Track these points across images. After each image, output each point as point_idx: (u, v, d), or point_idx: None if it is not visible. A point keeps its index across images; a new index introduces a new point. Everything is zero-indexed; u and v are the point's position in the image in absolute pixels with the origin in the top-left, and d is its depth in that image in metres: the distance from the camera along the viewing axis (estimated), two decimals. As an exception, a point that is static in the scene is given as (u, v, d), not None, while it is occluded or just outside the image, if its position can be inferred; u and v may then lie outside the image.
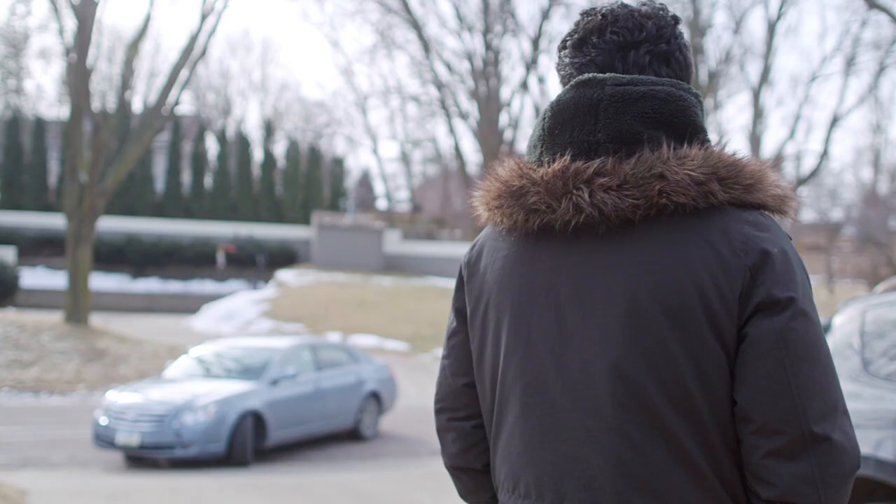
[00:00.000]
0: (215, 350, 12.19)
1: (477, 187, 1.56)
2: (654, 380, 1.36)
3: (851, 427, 1.36)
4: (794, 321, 1.33)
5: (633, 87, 1.42)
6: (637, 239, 1.39)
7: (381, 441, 12.49)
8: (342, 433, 12.32)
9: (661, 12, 1.53)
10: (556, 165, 1.41)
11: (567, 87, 1.46)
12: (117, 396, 10.74)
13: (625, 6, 1.53)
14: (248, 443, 10.48)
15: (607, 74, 1.43)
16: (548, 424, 1.44)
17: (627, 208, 1.37)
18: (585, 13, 1.56)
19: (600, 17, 1.53)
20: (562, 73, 1.57)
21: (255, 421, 10.66)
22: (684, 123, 1.42)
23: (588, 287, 1.42)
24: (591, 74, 1.44)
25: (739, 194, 1.38)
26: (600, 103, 1.41)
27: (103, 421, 10.23)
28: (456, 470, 1.70)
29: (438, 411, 1.70)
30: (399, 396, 13.69)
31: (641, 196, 1.36)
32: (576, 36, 1.55)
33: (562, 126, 1.44)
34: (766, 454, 1.33)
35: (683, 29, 1.60)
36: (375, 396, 12.64)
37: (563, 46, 1.58)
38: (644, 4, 1.54)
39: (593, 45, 1.52)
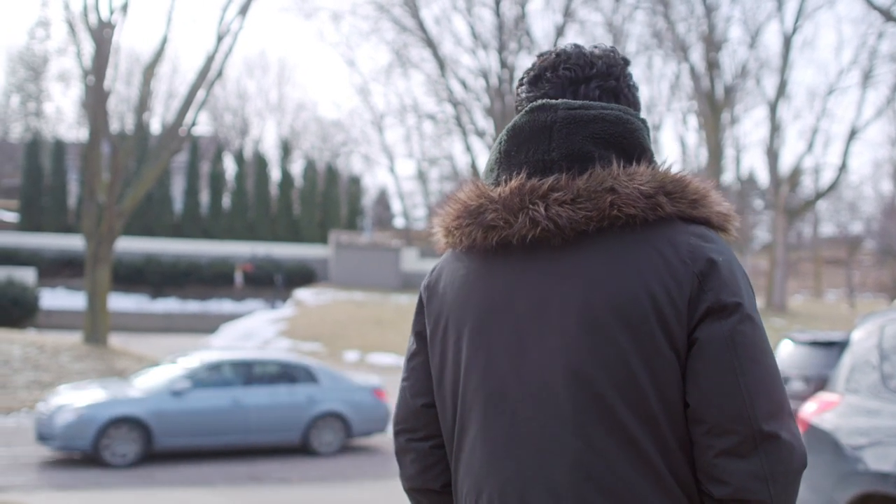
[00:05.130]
0: (162, 365, 13.28)
1: (437, 214, 1.64)
2: (611, 385, 1.41)
3: (797, 427, 1.42)
4: (741, 325, 1.40)
5: (585, 111, 1.49)
6: (590, 250, 1.46)
7: (349, 459, 12.42)
8: (292, 448, 12.64)
9: (611, 53, 1.65)
10: (513, 183, 1.49)
11: (522, 112, 1.54)
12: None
13: (577, 46, 1.66)
14: (119, 444, 11.37)
15: (559, 100, 1.52)
16: (510, 434, 1.48)
17: (581, 220, 1.44)
18: (541, 54, 1.68)
19: (554, 55, 1.65)
20: (519, 108, 1.66)
21: (136, 427, 11.51)
22: (633, 144, 1.51)
23: (545, 298, 1.48)
24: (544, 100, 1.53)
25: (685, 208, 1.47)
26: (554, 125, 1.50)
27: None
28: (414, 492, 1.72)
29: (398, 433, 1.73)
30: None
31: (594, 208, 1.44)
32: (532, 73, 1.66)
33: (517, 147, 1.53)
34: (717, 453, 1.38)
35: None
36: (338, 417, 12.82)
37: (520, 83, 1.69)
38: (595, 47, 1.66)
39: (547, 79, 1.63)
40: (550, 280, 1.47)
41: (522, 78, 1.67)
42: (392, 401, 13.54)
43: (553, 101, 1.52)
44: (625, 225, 1.44)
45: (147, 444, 11.58)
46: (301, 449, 12.65)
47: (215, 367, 12.66)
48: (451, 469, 1.62)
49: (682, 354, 1.41)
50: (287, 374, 13.04)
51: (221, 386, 12.42)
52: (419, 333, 1.69)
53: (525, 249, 1.49)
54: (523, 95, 1.66)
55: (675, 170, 1.50)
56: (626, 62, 1.65)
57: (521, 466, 1.46)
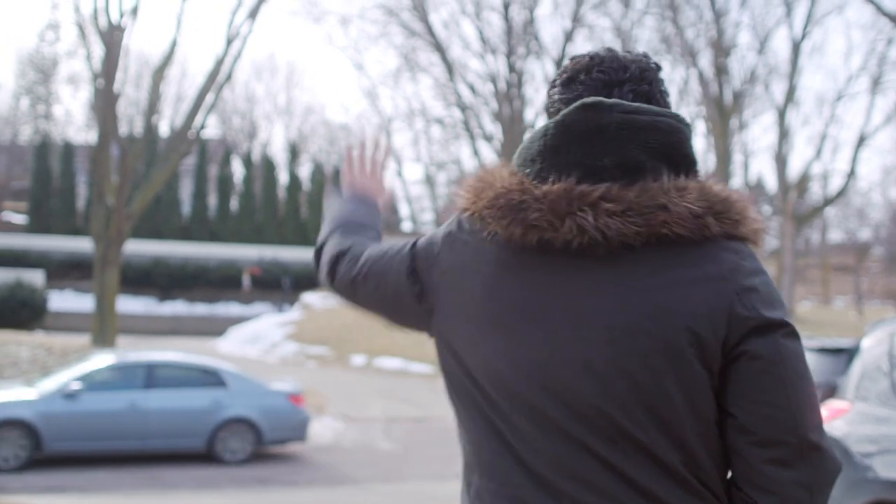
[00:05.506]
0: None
1: (465, 186, 1.60)
2: (639, 397, 1.43)
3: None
4: (786, 339, 1.44)
5: (639, 116, 1.47)
6: (632, 263, 1.46)
7: (256, 468, 11.99)
8: (197, 455, 12.17)
9: (643, 58, 1.64)
10: (562, 185, 1.46)
11: (573, 107, 1.50)
12: None
13: (611, 50, 1.64)
14: (5, 447, 11.14)
15: (613, 100, 1.49)
16: (539, 435, 1.47)
17: (630, 234, 1.43)
18: (574, 56, 1.68)
19: (588, 58, 1.64)
20: (550, 109, 1.66)
21: (24, 430, 11.27)
22: (682, 155, 1.50)
23: (579, 305, 1.47)
24: (597, 98, 1.50)
25: (729, 228, 1.48)
26: (607, 129, 1.47)
27: None
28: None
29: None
30: (310, 426, 13.03)
31: (644, 224, 1.43)
32: (565, 75, 1.65)
33: (567, 146, 1.49)
34: (765, 462, 1.42)
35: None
36: (247, 423, 12.33)
37: (552, 85, 1.68)
38: (628, 52, 1.65)
39: (581, 82, 1.61)
40: (587, 288, 1.47)
41: (555, 80, 1.67)
42: (308, 409, 13.36)
43: (606, 100, 1.49)
44: (671, 242, 1.45)
45: (36, 448, 11.29)
46: (206, 456, 12.15)
47: (114, 369, 12.28)
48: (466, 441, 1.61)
49: (716, 369, 1.44)
50: (192, 377, 12.59)
51: (119, 388, 12.00)
52: (414, 274, 1.66)
53: (563, 253, 1.47)
54: (556, 97, 1.64)
55: (718, 185, 1.51)
56: (659, 67, 1.65)
57: (551, 466, 1.46)
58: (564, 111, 1.51)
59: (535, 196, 1.47)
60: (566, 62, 1.69)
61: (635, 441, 1.42)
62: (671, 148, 1.49)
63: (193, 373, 12.68)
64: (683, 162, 1.50)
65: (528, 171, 1.52)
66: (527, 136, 1.57)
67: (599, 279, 1.46)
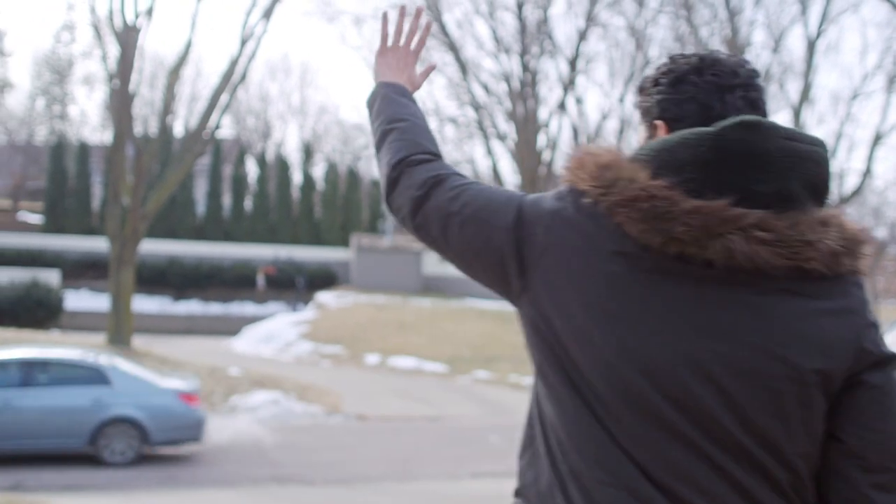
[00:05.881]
0: None
1: (581, 164, 1.57)
2: (759, 416, 1.45)
3: None
4: (894, 373, 1.51)
5: (799, 144, 1.47)
6: (770, 288, 1.46)
7: (140, 470, 11.55)
8: (77, 455, 11.75)
9: (748, 63, 1.64)
10: (717, 204, 1.44)
11: (731, 124, 1.47)
12: None
13: (716, 52, 1.64)
14: None
15: (772, 122, 1.48)
16: (652, 436, 1.46)
17: (779, 266, 1.44)
18: (679, 55, 1.66)
19: (697, 59, 1.62)
20: (648, 105, 1.65)
21: None
22: (825, 186, 1.51)
23: (711, 318, 1.46)
24: (757, 118, 1.48)
25: (857, 265, 1.52)
26: (769, 154, 1.46)
27: None
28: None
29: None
30: (206, 427, 12.43)
31: (791, 257, 1.44)
32: (672, 75, 1.63)
33: (723, 164, 1.46)
34: (871, 487, 1.46)
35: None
36: (132, 423, 11.79)
37: (654, 83, 1.66)
38: (732, 56, 1.65)
39: (692, 83, 1.60)
40: (720, 304, 1.46)
41: (657, 78, 1.65)
42: (203, 406, 12.60)
43: (766, 121, 1.48)
44: (807, 278, 1.47)
45: None
46: (88, 457, 11.69)
47: None
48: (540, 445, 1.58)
49: (832, 397, 1.48)
50: (73, 374, 12.06)
51: None
52: (517, 236, 1.59)
53: (699, 265, 1.46)
54: (661, 96, 1.63)
55: (849, 221, 1.53)
56: (759, 74, 1.65)
57: (669, 469, 1.46)
58: (722, 126, 1.48)
59: (685, 209, 1.44)
60: (664, 61, 1.68)
61: (749, 455, 1.44)
62: (819, 180, 1.49)
63: (74, 370, 12.13)
64: (825, 192, 1.51)
65: (672, 178, 1.47)
66: (668, 137, 1.53)
67: (735, 298, 1.46)
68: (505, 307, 26.86)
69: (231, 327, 35.63)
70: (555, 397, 1.54)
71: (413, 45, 2.12)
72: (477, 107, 33.06)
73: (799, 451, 1.46)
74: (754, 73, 1.62)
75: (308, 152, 50.21)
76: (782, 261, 1.43)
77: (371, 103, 2.01)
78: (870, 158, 33.46)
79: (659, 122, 1.62)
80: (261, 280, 40.83)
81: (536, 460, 1.59)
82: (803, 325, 1.45)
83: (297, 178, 49.10)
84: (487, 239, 1.63)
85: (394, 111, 1.95)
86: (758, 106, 1.60)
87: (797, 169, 1.46)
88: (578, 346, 1.50)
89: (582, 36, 31.48)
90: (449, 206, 1.69)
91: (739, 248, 1.42)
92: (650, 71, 1.72)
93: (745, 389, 1.44)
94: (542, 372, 1.56)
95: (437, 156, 1.83)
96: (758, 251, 1.42)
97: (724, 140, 1.46)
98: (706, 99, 1.58)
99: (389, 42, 2.10)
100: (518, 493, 1.62)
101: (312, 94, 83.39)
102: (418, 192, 1.74)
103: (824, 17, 31.04)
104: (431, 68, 2.22)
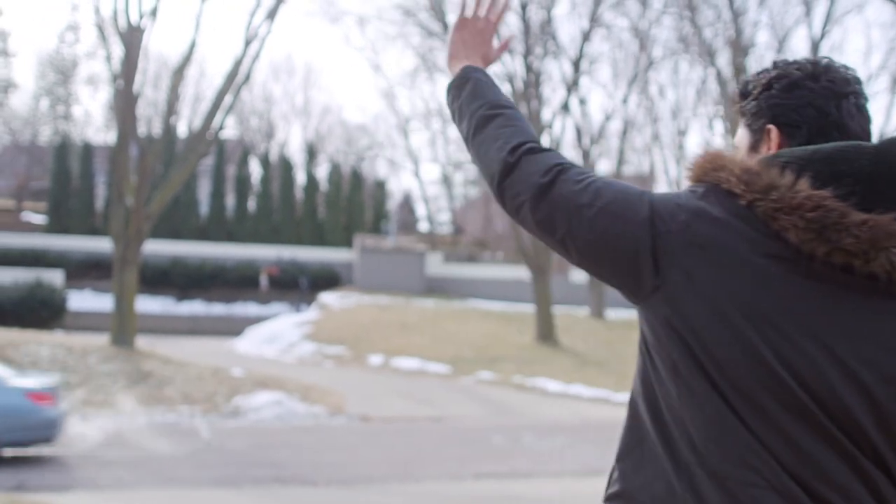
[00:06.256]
0: None
1: (723, 165, 1.59)
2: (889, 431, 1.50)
3: None
4: None
5: None
6: None
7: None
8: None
9: (854, 71, 1.67)
10: (884, 217, 1.48)
11: (892, 140, 1.53)
12: None
13: (827, 59, 1.67)
14: None
15: None
16: (802, 437, 1.49)
17: None
18: (785, 62, 1.69)
19: (810, 64, 1.65)
20: (756, 109, 1.68)
21: None
22: None
23: (864, 327, 1.50)
24: None
25: None
26: None
27: None
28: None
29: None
30: (63, 426, 11.77)
31: None
32: (785, 80, 1.65)
33: (885, 179, 1.51)
34: None
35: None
36: None
37: (765, 87, 1.67)
38: (843, 65, 1.68)
39: (808, 88, 1.63)
40: (873, 314, 1.51)
41: (769, 82, 1.67)
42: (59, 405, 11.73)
43: None
44: None
45: None
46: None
47: None
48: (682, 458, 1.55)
49: None
50: None
51: None
52: (652, 231, 1.57)
53: (852, 275, 1.50)
54: (774, 101, 1.66)
55: None
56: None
57: (812, 473, 1.49)
58: (883, 141, 1.54)
59: (855, 221, 1.47)
60: (769, 67, 1.70)
61: (881, 457, 1.49)
62: None
63: None
64: None
65: (832, 189, 1.51)
66: (820, 146, 1.56)
67: (887, 308, 1.51)
68: (508, 308, 26.94)
69: (234, 328, 35.64)
70: (692, 397, 1.53)
71: (493, 15, 2.06)
72: (480, 107, 32.97)
73: None
74: (860, 80, 1.66)
75: (311, 153, 50.23)
76: None
77: (460, 86, 1.96)
78: (874, 159, 33.39)
79: (771, 127, 1.65)
80: (264, 280, 40.84)
81: (648, 463, 1.58)
82: None
83: (300, 178, 49.12)
84: (621, 233, 1.60)
85: (494, 96, 1.91)
86: (865, 112, 1.64)
87: None
88: (727, 345, 1.50)
89: (585, 37, 31.49)
90: (578, 197, 1.65)
91: None
92: (750, 76, 1.74)
93: (891, 394, 1.47)
94: (677, 372, 1.54)
95: (549, 148, 1.79)
96: None
97: (885, 155, 1.51)
98: (823, 105, 1.61)
99: (468, 13, 2.05)
100: (618, 497, 1.61)
101: (316, 94, 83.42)
102: (543, 179, 1.69)
103: (828, 18, 31.00)
104: (507, 42, 2.18)
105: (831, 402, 1.47)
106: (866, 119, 1.65)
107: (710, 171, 1.60)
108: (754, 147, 1.70)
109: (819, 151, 1.54)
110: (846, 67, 1.66)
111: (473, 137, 1.87)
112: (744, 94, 1.72)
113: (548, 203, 1.68)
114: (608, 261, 1.63)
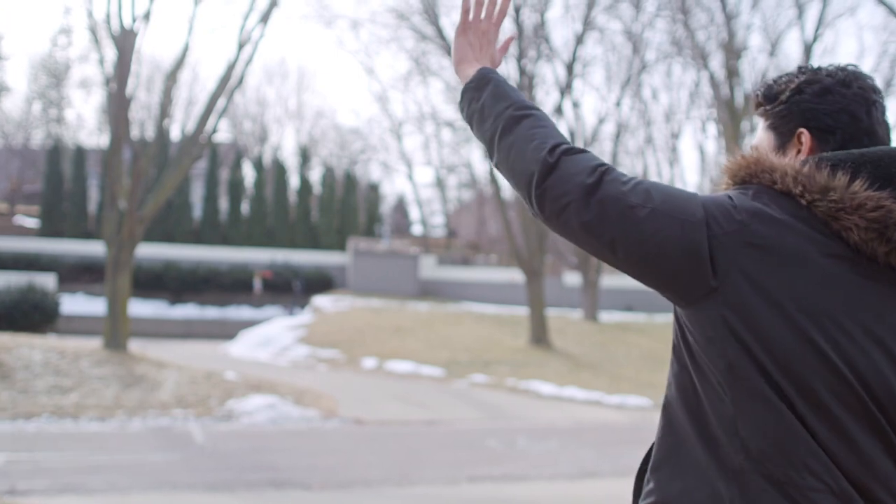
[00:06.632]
0: None
1: (776, 168, 1.61)
2: None
3: None
4: None
5: None
6: None
7: None
8: None
9: (874, 80, 1.73)
10: None
11: None
12: None
13: (854, 66, 1.72)
14: None
15: None
16: (866, 441, 1.51)
17: None
18: (814, 67, 1.72)
19: (840, 71, 1.69)
20: (786, 113, 1.70)
21: None
22: None
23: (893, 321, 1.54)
24: None
25: None
26: None
27: None
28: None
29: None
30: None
31: None
32: (817, 85, 1.68)
33: None
34: None
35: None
36: None
37: (796, 91, 1.70)
38: (863, 72, 1.74)
39: (841, 94, 1.66)
40: None
41: (801, 87, 1.70)
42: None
43: None
44: None
45: None
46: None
47: None
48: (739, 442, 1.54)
49: None
50: None
51: None
52: (707, 233, 1.56)
53: (892, 270, 1.55)
54: (807, 106, 1.68)
55: None
56: None
57: (866, 472, 1.51)
58: None
59: None
60: (797, 72, 1.74)
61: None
62: None
63: None
64: None
65: (884, 190, 1.55)
66: (867, 150, 1.59)
67: None
68: (501, 311, 26.93)
69: (228, 331, 35.60)
70: (749, 400, 1.52)
71: (494, 17, 2.05)
72: (474, 111, 32.97)
73: None
74: (881, 91, 1.72)
75: (305, 156, 50.22)
76: None
77: (479, 87, 1.92)
78: (866, 162, 33.48)
79: (803, 130, 1.67)
80: (257, 284, 40.80)
81: (687, 471, 1.57)
82: None
83: (293, 181, 49.12)
84: (677, 234, 1.56)
85: (519, 97, 1.87)
86: (888, 120, 1.70)
87: None
88: (790, 344, 1.50)
89: (579, 40, 31.53)
90: (629, 197, 1.60)
91: None
92: (773, 79, 1.77)
93: None
94: (734, 374, 1.52)
95: (586, 149, 1.75)
96: None
97: None
98: (856, 111, 1.64)
99: (471, 16, 2.03)
100: None
101: (309, 98, 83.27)
102: (589, 179, 1.63)
103: (821, 21, 31.11)
104: (510, 42, 2.16)
105: (888, 401, 1.50)
106: (888, 127, 1.69)
107: (758, 173, 1.61)
108: (781, 150, 1.71)
109: (868, 154, 1.57)
110: (870, 76, 1.71)
111: (501, 139, 1.81)
112: (769, 98, 1.74)
113: (597, 203, 1.61)
114: (661, 263, 1.59)
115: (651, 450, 1.70)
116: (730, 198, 1.59)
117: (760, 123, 1.77)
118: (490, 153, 1.86)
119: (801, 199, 1.55)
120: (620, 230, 1.59)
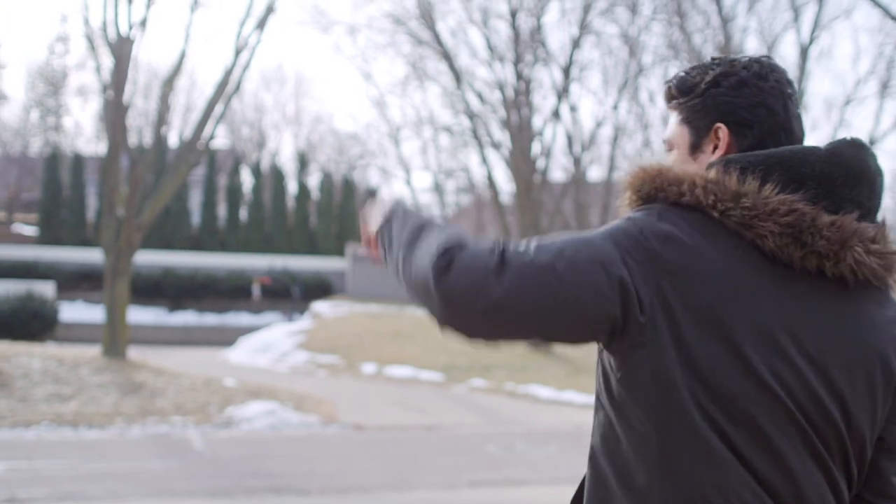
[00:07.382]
0: None
1: (684, 179, 1.55)
2: (870, 425, 1.55)
3: None
4: None
5: (876, 162, 1.57)
6: (865, 298, 1.55)
7: None
8: None
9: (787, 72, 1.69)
10: (848, 218, 1.50)
11: (845, 142, 1.55)
12: None
13: (768, 58, 1.66)
14: None
15: (866, 143, 1.57)
16: (804, 461, 1.50)
17: (882, 276, 1.54)
18: (728, 58, 1.66)
19: (755, 62, 1.64)
20: (701, 107, 1.65)
21: None
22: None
23: (836, 333, 1.51)
24: (860, 138, 1.56)
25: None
26: (870, 171, 1.55)
27: None
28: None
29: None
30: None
31: (884, 267, 1.54)
32: (733, 77, 1.63)
33: (842, 179, 1.52)
34: (894, 474, 1.59)
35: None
36: None
37: (711, 84, 1.64)
38: (777, 63, 1.70)
39: (758, 87, 1.62)
40: (837, 317, 1.52)
41: (717, 80, 1.64)
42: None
43: (862, 141, 1.56)
44: (878, 288, 1.57)
45: None
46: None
47: None
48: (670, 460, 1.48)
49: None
50: None
51: None
52: (622, 284, 1.46)
53: (814, 277, 1.52)
54: (723, 99, 1.63)
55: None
56: None
57: (796, 485, 1.49)
58: (835, 143, 1.55)
59: (825, 223, 1.49)
60: (712, 63, 1.67)
61: (847, 465, 1.54)
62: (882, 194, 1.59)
63: None
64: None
65: (797, 192, 1.50)
66: (774, 151, 1.54)
67: (849, 310, 1.54)
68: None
69: (226, 338, 35.57)
70: (681, 438, 1.46)
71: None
72: (471, 115, 33.08)
73: (870, 444, 1.55)
74: (793, 82, 1.68)
75: (303, 162, 50.23)
76: (883, 272, 1.52)
77: (389, 219, 1.78)
78: (863, 164, 33.51)
79: (721, 125, 1.62)
80: (256, 290, 40.78)
81: None
82: (882, 333, 1.54)
83: (292, 187, 49.12)
84: (605, 278, 1.47)
85: (420, 217, 1.71)
86: (800, 114, 1.67)
87: (882, 184, 1.56)
88: (723, 369, 1.45)
89: (575, 44, 31.57)
90: (537, 260, 1.48)
91: (863, 261, 1.49)
92: (686, 71, 1.70)
93: (865, 403, 1.52)
94: (667, 410, 1.46)
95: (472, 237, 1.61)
96: (872, 261, 1.50)
97: (840, 157, 1.53)
98: (773, 104, 1.61)
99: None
100: None
101: (307, 103, 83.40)
102: (491, 258, 1.48)
103: (816, 24, 31.16)
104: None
105: (819, 418, 1.48)
106: (801, 121, 1.65)
107: (664, 187, 1.55)
108: (696, 145, 1.66)
109: (776, 155, 1.52)
110: (784, 69, 1.66)
111: (402, 261, 1.66)
112: (682, 90, 1.68)
113: (507, 280, 1.46)
114: (589, 317, 1.48)
115: (582, 485, 1.76)
116: (635, 223, 1.51)
117: (673, 117, 1.72)
118: (400, 284, 1.71)
119: (713, 210, 1.49)
120: (541, 293, 1.46)
